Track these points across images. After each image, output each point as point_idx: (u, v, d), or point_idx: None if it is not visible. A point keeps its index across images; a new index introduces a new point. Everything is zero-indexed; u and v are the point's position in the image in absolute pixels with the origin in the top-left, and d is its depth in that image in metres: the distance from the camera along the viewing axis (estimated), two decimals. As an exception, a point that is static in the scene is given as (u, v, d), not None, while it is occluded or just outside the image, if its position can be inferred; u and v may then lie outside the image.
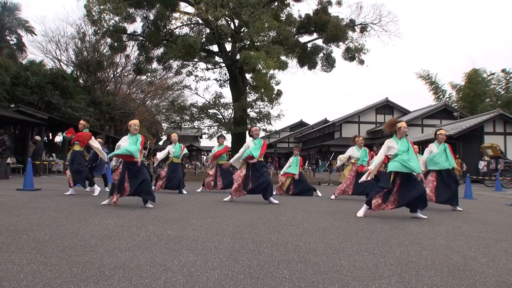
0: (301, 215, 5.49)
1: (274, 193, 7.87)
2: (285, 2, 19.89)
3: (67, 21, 56.41)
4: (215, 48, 20.49)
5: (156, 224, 4.33)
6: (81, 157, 7.77)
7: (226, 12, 16.65)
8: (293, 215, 5.52)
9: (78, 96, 22.66)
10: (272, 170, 21.06)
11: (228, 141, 22.48)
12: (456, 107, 32.14)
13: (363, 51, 19.87)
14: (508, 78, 34.36)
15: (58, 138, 24.40)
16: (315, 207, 6.75)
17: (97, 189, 7.89)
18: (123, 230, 3.88)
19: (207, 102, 20.14)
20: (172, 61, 19.85)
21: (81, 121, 7.87)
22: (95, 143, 7.80)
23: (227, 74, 20.75)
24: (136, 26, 30.77)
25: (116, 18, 17.43)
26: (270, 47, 16.00)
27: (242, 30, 18.35)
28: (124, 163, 5.98)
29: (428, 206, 6.59)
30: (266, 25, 16.08)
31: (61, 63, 28.26)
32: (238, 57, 18.93)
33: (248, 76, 20.05)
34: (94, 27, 17.96)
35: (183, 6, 18.92)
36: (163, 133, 45.10)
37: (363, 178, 5.66)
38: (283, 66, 17.50)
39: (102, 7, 15.96)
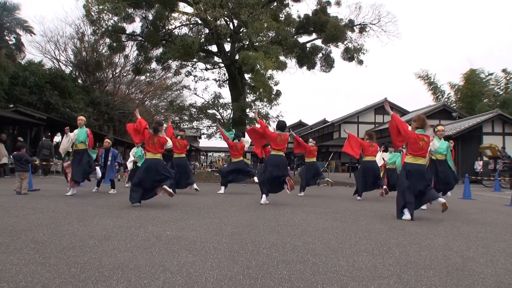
0: (300, 216, 5.49)
1: None
2: (284, 2, 19.88)
3: (66, 21, 55.88)
4: (214, 48, 20.49)
5: (155, 225, 4.33)
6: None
7: (225, 12, 16.64)
8: (292, 215, 5.52)
9: (77, 96, 22.63)
10: None
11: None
12: (454, 107, 32.19)
13: (362, 51, 19.87)
14: (508, 78, 34.39)
15: (57, 139, 24.35)
16: (314, 207, 6.75)
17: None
18: (122, 231, 3.88)
19: (206, 102, 20.13)
20: (171, 61, 19.82)
21: (82, 117, 7.85)
22: None
23: (226, 74, 20.74)
24: (135, 26, 30.70)
25: (115, 18, 17.41)
26: (269, 47, 15.98)
27: (241, 30, 18.35)
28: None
29: (429, 206, 6.61)
30: (265, 25, 16.06)
31: (60, 63, 28.26)
32: (237, 57, 18.92)
33: (247, 76, 20.05)
34: (93, 27, 17.95)
35: (182, 6, 18.92)
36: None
37: None
38: (282, 66, 17.48)
39: (101, 7, 15.94)
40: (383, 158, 9.89)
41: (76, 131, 7.72)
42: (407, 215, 5.34)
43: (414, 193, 5.45)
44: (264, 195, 7.20)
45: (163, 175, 6.27)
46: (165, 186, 6.13)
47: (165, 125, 7.82)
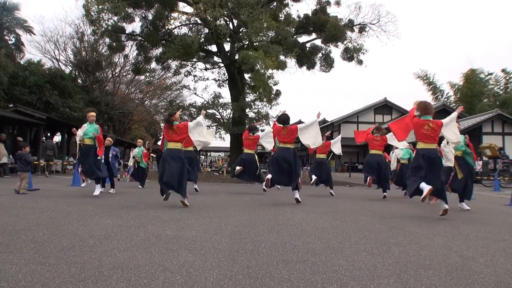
0: (300, 215, 5.49)
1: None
2: (284, 2, 19.90)
3: (65, 21, 55.94)
4: (213, 48, 20.51)
5: (154, 224, 4.33)
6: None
7: (225, 12, 16.65)
8: (292, 215, 5.52)
9: (77, 96, 22.63)
10: None
11: (227, 141, 22.56)
12: (454, 107, 32.19)
13: (362, 51, 19.91)
14: (507, 78, 34.39)
15: (56, 138, 24.37)
16: (313, 207, 6.75)
17: (98, 188, 7.60)
18: (122, 230, 3.87)
19: (205, 102, 20.15)
20: (170, 61, 19.85)
21: (93, 113, 7.66)
22: None
23: (226, 74, 20.76)
24: (135, 26, 30.75)
25: (115, 18, 17.43)
26: (268, 47, 16.00)
27: (240, 30, 18.36)
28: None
29: (427, 206, 6.62)
30: (265, 25, 16.08)
31: (60, 63, 28.26)
32: (236, 57, 18.93)
33: (246, 76, 20.06)
34: (93, 27, 17.96)
35: (182, 6, 18.94)
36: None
37: None
38: (281, 66, 17.50)
39: (100, 6, 15.95)
40: (396, 157, 9.91)
41: (85, 125, 7.49)
42: (425, 190, 5.11)
43: (427, 178, 5.32)
44: (270, 175, 7.14)
45: (179, 179, 6.10)
46: (182, 200, 6.10)
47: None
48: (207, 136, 6.74)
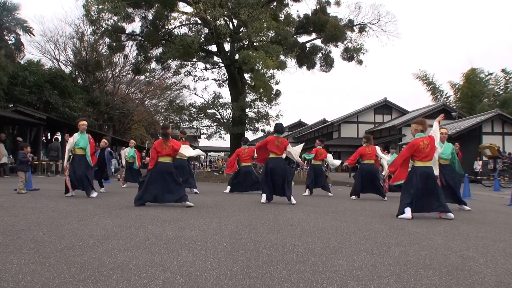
0: (300, 215, 5.49)
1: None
2: (284, 2, 19.90)
3: (65, 21, 55.77)
4: (213, 48, 20.52)
5: (154, 224, 4.33)
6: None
7: (225, 12, 16.67)
8: (292, 215, 5.52)
9: (77, 96, 22.65)
10: None
11: (227, 141, 22.56)
12: (454, 107, 32.19)
13: (362, 51, 19.93)
14: (507, 78, 34.40)
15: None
16: (313, 207, 6.76)
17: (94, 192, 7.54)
18: (122, 230, 3.87)
19: (205, 102, 20.15)
20: (170, 61, 19.86)
21: (85, 122, 7.53)
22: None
23: (226, 74, 20.76)
24: (135, 26, 30.70)
25: (115, 18, 17.44)
26: (269, 47, 16.01)
27: (240, 30, 18.37)
28: None
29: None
30: (265, 25, 16.09)
31: (60, 63, 28.26)
32: (236, 57, 18.94)
33: (246, 76, 20.07)
34: (93, 27, 17.98)
35: (182, 6, 18.94)
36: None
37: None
38: (282, 65, 17.52)
39: (100, 6, 15.97)
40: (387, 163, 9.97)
41: (75, 135, 7.39)
42: (407, 214, 5.34)
43: (423, 196, 5.45)
44: (264, 194, 7.21)
45: (175, 189, 6.19)
46: (187, 202, 6.14)
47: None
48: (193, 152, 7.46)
